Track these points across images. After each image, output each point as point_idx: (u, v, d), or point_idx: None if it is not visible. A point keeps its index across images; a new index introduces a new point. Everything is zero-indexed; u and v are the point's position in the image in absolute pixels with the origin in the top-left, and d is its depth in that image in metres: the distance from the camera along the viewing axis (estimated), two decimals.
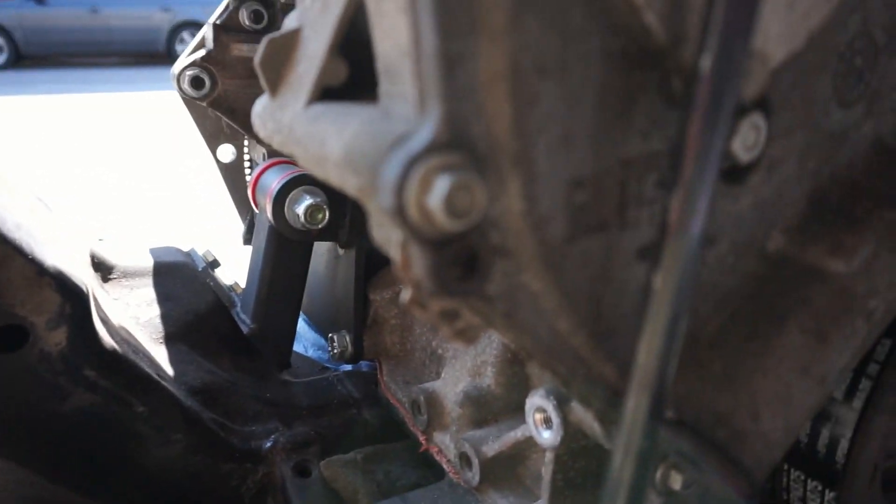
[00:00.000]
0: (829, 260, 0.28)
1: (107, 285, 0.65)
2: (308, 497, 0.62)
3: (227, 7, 0.69)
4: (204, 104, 0.69)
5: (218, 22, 0.68)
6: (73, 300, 0.50)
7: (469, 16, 0.19)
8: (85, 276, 0.55)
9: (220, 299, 0.73)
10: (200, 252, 0.82)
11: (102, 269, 0.65)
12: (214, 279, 0.76)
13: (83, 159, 3.28)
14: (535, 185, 0.21)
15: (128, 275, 0.67)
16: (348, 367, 0.74)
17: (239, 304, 0.75)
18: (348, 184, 0.22)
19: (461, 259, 0.21)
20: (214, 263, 0.79)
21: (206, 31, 0.70)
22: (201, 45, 0.70)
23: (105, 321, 0.57)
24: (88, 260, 0.63)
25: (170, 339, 0.65)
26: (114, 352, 0.53)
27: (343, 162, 0.22)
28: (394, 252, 0.21)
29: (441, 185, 0.19)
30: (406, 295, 0.21)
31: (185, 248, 0.82)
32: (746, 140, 0.25)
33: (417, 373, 0.65)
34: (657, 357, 0.23)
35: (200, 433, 0.59)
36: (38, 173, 2.80)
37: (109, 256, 0.67)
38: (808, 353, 0.28)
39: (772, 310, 0.28)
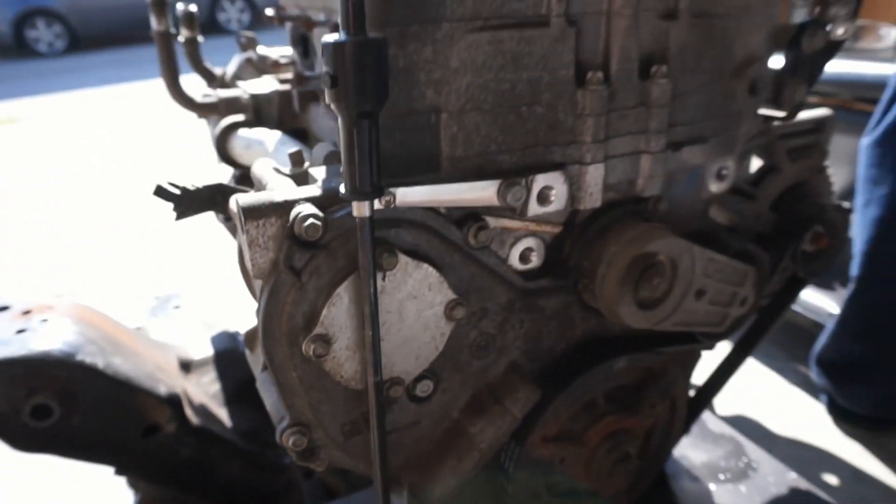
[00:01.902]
0: (469, 426, 0.70)
1: (189, 376, 1.13)
2: (311, 488, 1.10)
3: None
4: None
5: None
6: (175, 404, 0.97)
7: None
8: (176, 381, 1.03)
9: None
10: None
11: (185, 367, 1.13)
12: None
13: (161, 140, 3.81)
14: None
15: (198, 366, 1.15)
16: None
17: None
18: None
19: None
20: None
21: None
22: None
23: (191, 402, 1.04)
24: (177, 364, 1.11)
25: (229, 402, 1.13)
26: (197, 424, 1.01)
27: None
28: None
29: None
30: None
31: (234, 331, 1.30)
32: (422, 391, 0.68)
33: None
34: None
35: (248, 458, 1.08)
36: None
37: (187, 356, 1.15)
38: (464, 460, 0.71)
39: (446, 446, 0.71)
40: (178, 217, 0.70)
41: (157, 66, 1.19)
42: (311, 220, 0.54)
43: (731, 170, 0.82)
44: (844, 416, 1.39)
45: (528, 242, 0.70)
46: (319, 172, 0.65)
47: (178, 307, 1.49)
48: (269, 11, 1.21)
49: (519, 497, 0.81)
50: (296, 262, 0.56)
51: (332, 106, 0.49)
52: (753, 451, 1.07)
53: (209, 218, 1.01)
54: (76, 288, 2.11)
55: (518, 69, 0.60)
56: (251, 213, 0.55)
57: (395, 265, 0.59)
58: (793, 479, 1.01)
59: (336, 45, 0.47)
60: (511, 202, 0.62)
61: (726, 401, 1.47)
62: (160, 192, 0.68)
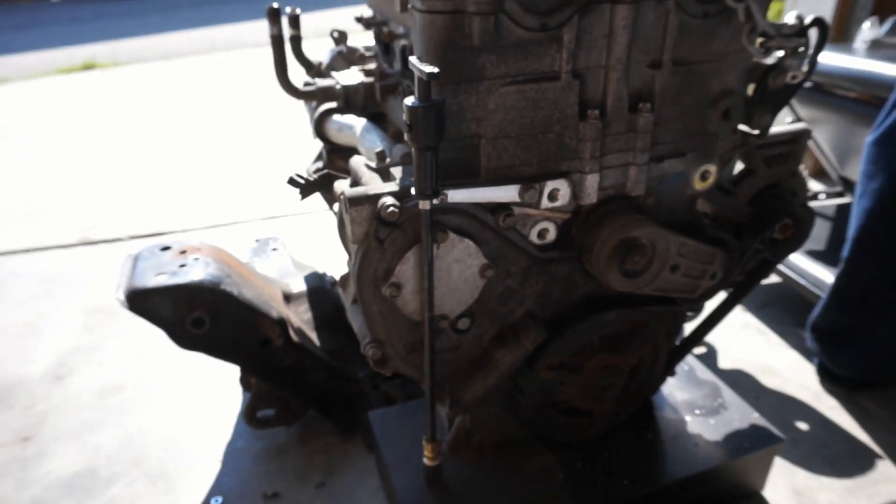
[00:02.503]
0: (494, 352, 1.00)
1: (290, 305, 1.47)
2: (377, 396, 1.43)
3: None
4: None
5: None
6: (282, 325, 1.31)
7: None
8: (282, 308, 1.37)
9: (338, 303, 1.53)
10: (328, 274, 1.63)
11: (287, 298, 1.48)
12: (333, 291, 1.57)
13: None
14: None
15: (296, 298, 1.49)
16: None
17: None
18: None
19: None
20: (334, 281, 1.59)
21: None
22: None
23: (292, 325, 1.38)
24: (281, 296, 1.45)
25: (318, 328, 1.47)
26: (297, 342, 1.35)
27: None
28: None
29: None
30: None
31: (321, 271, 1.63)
32: (462, 326, 0.97)
33: None
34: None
35: (332, 371, 1.42)
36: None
37: (288, 290, 1.49)
38: (489, 376, 1.01)
39: (477, 366, 1.01)
40: (303, 198, 1.02)
41: (230, 7, 1.46)
42: (391, 208, 0.83)
43: (713, 173, 1.05)
44: (829, 377, 1.61)
45: (545, 224, 0.97)
46: (397, 171, 0.94)
47: (276, 249, 1.84)
48: (357, 16, 1.49)
49: (530, 409, 1.11)
50: (380, 235, 0.86)
51: (409, 141, 0.78)
52: (728, 395, 1.33)
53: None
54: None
55: (536, 109, 0.86)
56: (353, 201, 0.84)
57: (445, 239, 0.88)
58: (755, 417, 1.27)
59: (411, 108, 0.75)
60: (528, 200, 0.89)
61: (730, 356, 1.72)
62: (292, 181, 0.99)
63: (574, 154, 0.91)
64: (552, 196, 0.91)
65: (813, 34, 0.96)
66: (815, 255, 1.83)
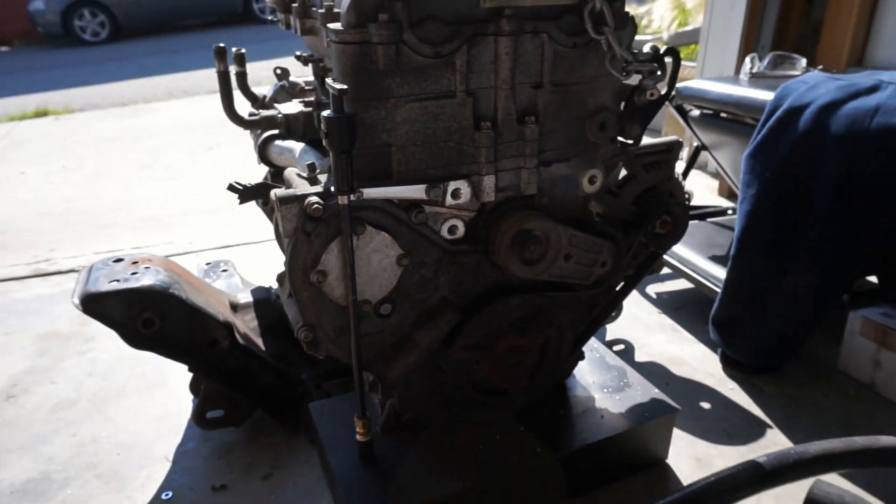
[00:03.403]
0: (414, 334, 1.15)
1: (237, 314, 1.59)
2: (318, 394, 1.55)
3: None
4: None
5: None
6: (229, 328, 1.43)
7: None
8: (229, 315, 1.49)
9: (282, 312, 1.65)
10: (275, 286, 1.75)
11: (234, 308, 1.60)
12: (278, 302, 1.69)
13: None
14: None
15: (243, 308, 1.62)
16: None
17: None
18: None
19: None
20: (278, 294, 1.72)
21: None
22: None
23: (238, 330, 1.50)
24: (229, 305, 1.57)
25: (263, 334, 1.59)
26: (242, 345, 1.47)
27: None
28: None
29: None
30: None
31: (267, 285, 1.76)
32: (384, 311, 1.12)
33: None
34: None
35: (277, 372, 1.53)
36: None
37: (235, 300, 1.61)
38: (410, 355, 1.16)
39: (399, 347, 1.15)
40: (241, 203, 1.16)
41: (190, 55, 1.62)
42: (316, 205, 0.99)
43: (599, 177, 1.24)
44: (730, 363, 1.80)
45: (454, 221, 1.14)
46: (323, 177, 1.09)
47: (226, 270, 1.97)
48: (297, 53, 1.67)
49: (450, 387, 1.25)
50: (307, 228, 1.01)
51: (327, 146, 0.94)
52: (633, 376, 1.50)
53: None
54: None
55: (437, 121, 1.03)
56: (284, 200, 1.00)
57: (364, 232, 1.03)
58: (655, 392, 1.44)
59: (327, 118, 0.91)
60: (433, 197, 1.06)
61: (645, 351, 1.90)
62: (231, 187, 1.14)
63: (472, 159, 1.08)
64: (455, 194, 1.08)
65: (669, 62, 1.17)
66: (720, 260, 2.05)
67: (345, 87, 0.90)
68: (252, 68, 1.79)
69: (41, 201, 3.40)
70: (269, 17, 1.60)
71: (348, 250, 1.01)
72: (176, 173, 3.76)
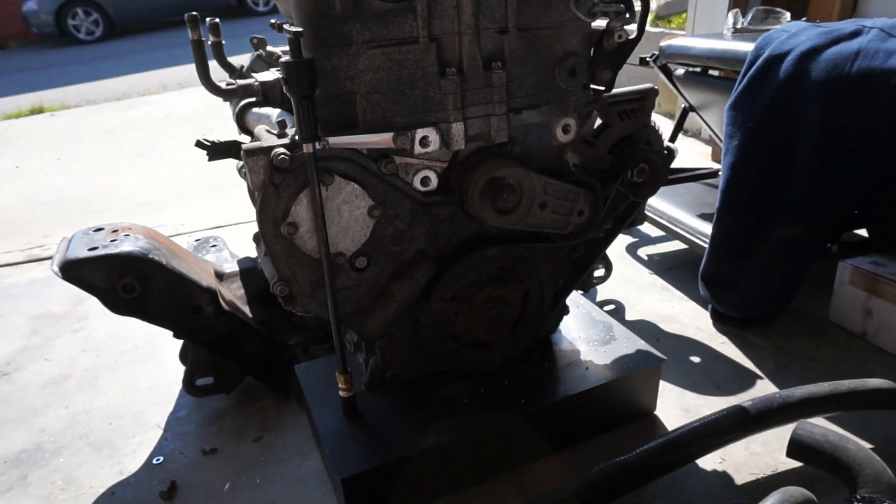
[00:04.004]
0: (391, 286, 1.15)
1: (222, 283, 1.60)
2: (306, 359, 1.56)
3: None
4: None
5: None
6: (212, 294, 1.44)
7: None
8: (213, 283, 1.50)
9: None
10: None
11: (220, 277, 1.60)
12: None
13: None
14: None
15: (229, 277, 1.62)
16: None
17: None
18: None
19: None
20: None
21: None
22: None
23: (223, 297, 1.51)
24: (213, 273, 1.58)
25: (250, 302, 1.60)
26: (228, 310, 1.47)
27: None
28: None
29: None
30: None
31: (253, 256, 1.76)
32: (359, 264, 1.12)
33: None
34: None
35: (265, 338, 1.54)
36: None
37: (221, 269, 1.62)
38: (387, 307, 1.16)
39: (377, 300, 1.15)
40: (210, 160, 1.16)
41: (182, 50, 1.61)
42: (282, 156, 0.99)
43: (573, 126, 1.23)
44: (719, 318, 1.80)
45: (426, 173, 1.14)
46: (292, 132, 1.09)
47: (215, 245, 1.97)
48: (272, 20, 1.66)
49: (431, 340, 1.26)
50: (275, 180, 1.01)
51: (287, 93, 0.93)
52: (619, 329, 1.50)
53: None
54: None
55: (401, 68, 1.03)
56: (250, 153, 0.99)
57: (332, 182, 1.03)
58: (641, 344, 1.43)
59: (285, 63, 0.91)
60: (400, 145, 1.05)
61: (636, 310, 1.89)
62: (199, 144, 1.14)
63: (439, 106, 1.07)
64: (423, 142, 1.08)
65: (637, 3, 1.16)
66: (710, 218, 2.03)
67: (300, 29, 0.89)
68: (248, 58, 1.79)
69: (35, 192, 3.41)
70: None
71: (317, 201, 1.01)
72: (170, 161, 3.77)
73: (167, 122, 4.82)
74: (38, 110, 5.94)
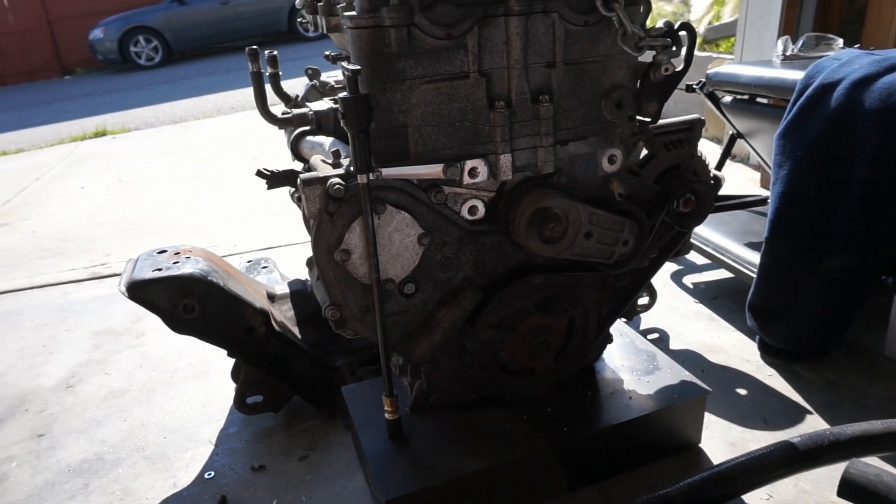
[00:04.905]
0: (438, 313, 1.17)
1: (274, 304, 1.66)
2: (352, 381, 1.60)
3: None
4: None
5: None
6: (265, 315, 1.49)
7: None
8: (266, 304, 1.55)
9: (318, 303, 1.71)
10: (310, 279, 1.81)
11: (271, 298, 1.66)
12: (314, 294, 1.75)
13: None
14: None
15: (280, 298, 1.68)
16: None
17: None
18: None
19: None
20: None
21: None
22: None
23: (275, 318, 1.56)
24: (266, 295, 1.64)
25: (299, 323, 1.65)
26: (279, 331, 1.53)
27: None
28: None
29: None
30: None
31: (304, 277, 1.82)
32: (408, 290, 1.16)
33: None
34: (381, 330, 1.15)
35: (313, 359, 1.59)
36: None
37: (272, 291, 1.68)
38: (434, 334, 1.18)
39: (424, 326, 1.18)
40: (269, 188, 1.22)
41: (235, 75, 1.69)
42: (337, 186, 1.03)
43: (619, 156, 1.25)
44: (768, 350, 1.76)
45: (474, 202, 1.17)
46: (346, 162, 1.14)
47: (266, 267, 2.04)
48: (327, 53, 1.73)
49: (475, 367, 1.28)
50: (330, 209, 1.05)
51: (345, 127, 0.98)
52: (663, 359, 1.49)
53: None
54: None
55: (452, 102, 1.07)
56: (307, 182, 1.05)
57: (384, 211, 1.07)
58: (685, 375, 1.42)
59: (343, 99, 0.96)
60: (450, 176, 1.09)
61: (681, 339, 1.87)
62: (259, 173, 1.21)
63: (488, 138, 1.11)
64: (472, 173, 1.11)
65: (685, 36, 1.18)
66: (758, 247, 2.00)
67: (358, 67, 0.94)
68: (298, 83, 1.87)
69: (98, 212, 3.59)
70: (299, 20, 1.67)
71: (369, 229, 1.05)
72: (222, 182, 3.91)
73: (220, 145, 5.00)
74: (102, 133, 6.24)
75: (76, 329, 2.20)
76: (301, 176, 1.06)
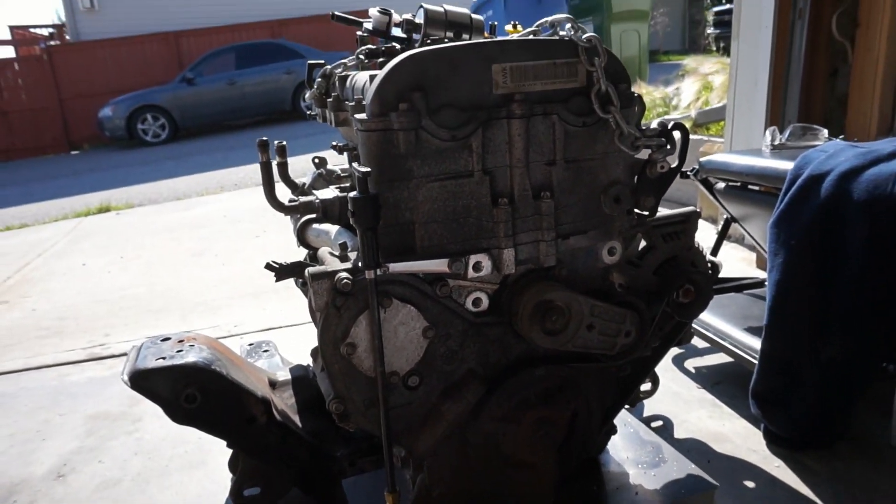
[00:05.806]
0: (441, 406, 1.17)
1: (275, 391, 1.65)
2: (353, 471, 1.56)
3: None
4: None
5: None
6: (266, 404, 1.48)
7: None
8: (267, 392, 1.54)
9: (319, 390, 1.70)
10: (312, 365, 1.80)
11: (273, 385, 1.65)
12: (315, 380, 1.74)
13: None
14: None
15: (280, 385, 1.67)
16: None
17: None
18: None
19: None
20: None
21: None
22: None
23: (276, 406, 1.55)
24: (267, 382, 1.63)
25: (300, 411, 1.63)
26: (280, 422, 1.51)
27: None
28: None
29: None
30: None
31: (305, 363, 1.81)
32: (412, 383, 1.16)
33: None
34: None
35: (313, 449, 1.56)
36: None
37: (274, 377, 1.67)
38: (437, 427, 1.17)
39: (427, 419, 1.17)
40: (277, 280, 1.24)
41: (239, 152, 1.74)
42: (345, 280, 1.05)
43: (618, 249, 1.28)
44: (773, 439, 1.74)
45: (477, 294, 1.19)
46: (353, 255, 1.17)
47: (267, 350, 2.04)
48: (334, 143, 1.79)
49: (478, 459, 1.26)
50: (337, 303, 1.07)
51: (354, 225, 1.01)
52: (669, 451, 1.46)
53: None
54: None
55: (457, 199, 1.11)
56: (315, 276, 1.07)
57: (390, 305, 1.09)
58: (692, 468, 1.40)
59: (353, 198, 0.99)
60: (455, 270, 1.11)
61: (685, 427, 1.85)
62: (268, 266, 1.23)
63: (491, 234, 1.14)
64: (476, 267, 1.13)
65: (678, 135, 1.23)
66: (758, 331, 2.01)
67: (369, 169, 0.99)
68: (300, 160, 1.93)
69: (99, 289, 3.60)
70: (308, 112, 1.73)
71: (376, 323, 1.06)
72: (225, 260, 3.94)
73: (223, 222, 5.07)
74: (106, 209, 6.34)
75: (71, 413, 2.16)
76: (309, 270, 1.08)
